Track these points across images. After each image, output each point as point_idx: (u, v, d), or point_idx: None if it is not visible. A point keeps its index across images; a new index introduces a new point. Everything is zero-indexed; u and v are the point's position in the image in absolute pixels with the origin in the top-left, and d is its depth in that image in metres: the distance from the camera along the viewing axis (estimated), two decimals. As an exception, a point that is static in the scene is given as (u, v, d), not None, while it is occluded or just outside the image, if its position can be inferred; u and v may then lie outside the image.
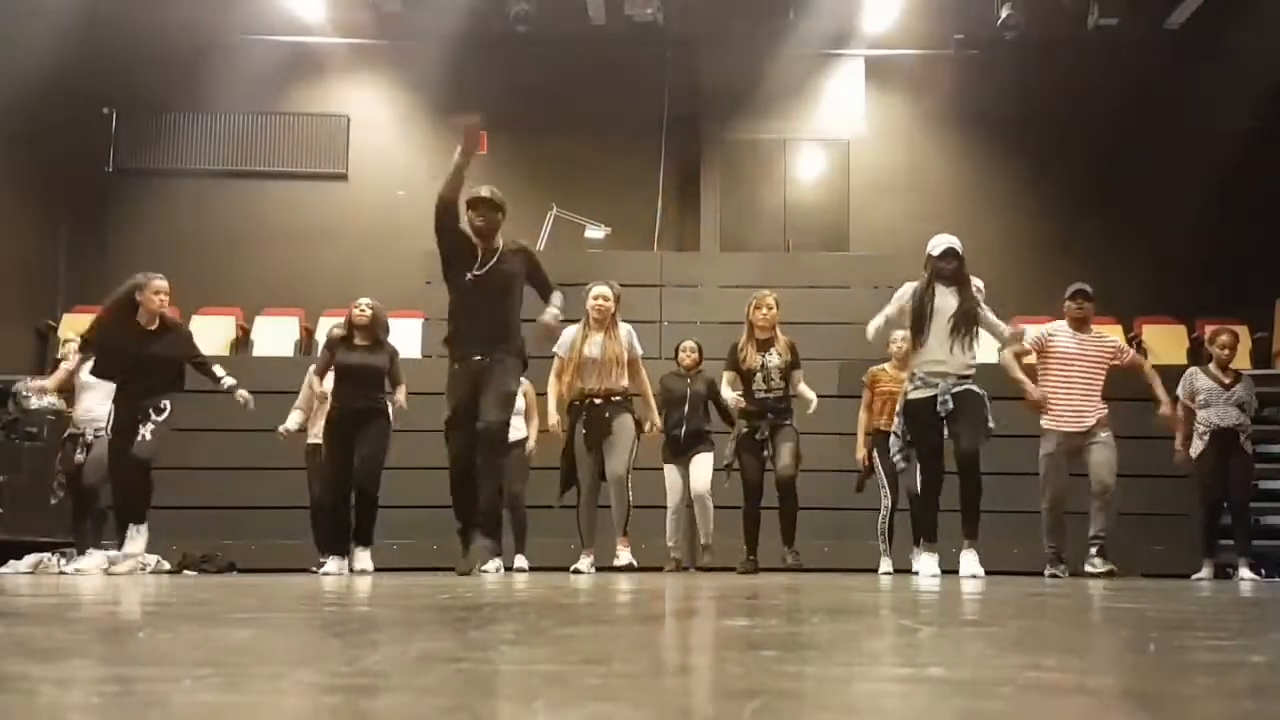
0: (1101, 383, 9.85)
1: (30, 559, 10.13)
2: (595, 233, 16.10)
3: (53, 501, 10.38)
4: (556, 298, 8.41)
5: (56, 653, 2.55)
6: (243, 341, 16.17)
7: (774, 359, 10.04)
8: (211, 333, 14.72)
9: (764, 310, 10.11)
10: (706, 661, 2.53)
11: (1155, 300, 16.22)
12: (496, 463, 8.18)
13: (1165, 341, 15.55)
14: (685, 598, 5.41)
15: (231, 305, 16.33)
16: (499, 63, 16.96)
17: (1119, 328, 15.98)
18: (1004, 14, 16.25)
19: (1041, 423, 9.84)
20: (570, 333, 9.85)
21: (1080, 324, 9.90)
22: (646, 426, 10.07)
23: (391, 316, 14.76)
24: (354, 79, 17.87)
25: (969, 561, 8.73)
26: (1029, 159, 17.26)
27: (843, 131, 17.61)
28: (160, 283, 9.50)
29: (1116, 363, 9.96)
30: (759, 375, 10.04)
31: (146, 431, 9.20)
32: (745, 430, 10.07)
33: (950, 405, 8.72)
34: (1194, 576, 10.57)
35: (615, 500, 9.80)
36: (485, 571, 8.10)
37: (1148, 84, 17.00)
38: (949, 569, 9.01)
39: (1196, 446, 10.71)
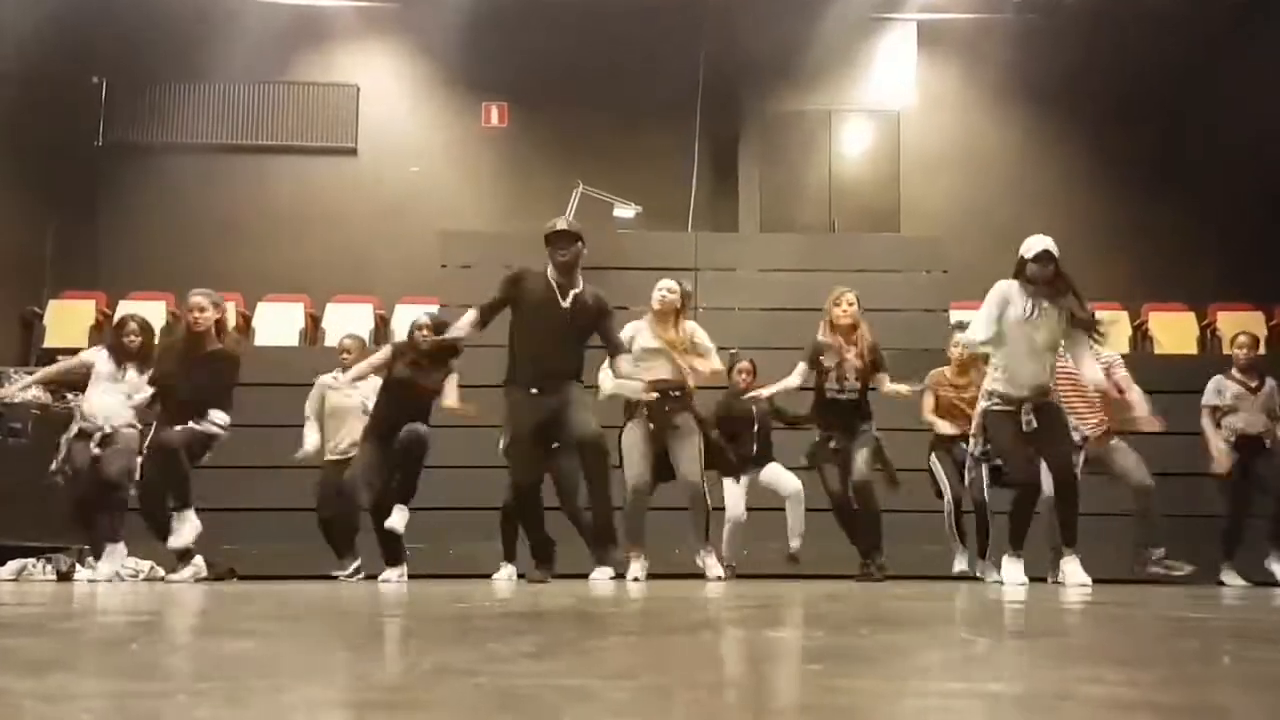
0: (1090, 392, 9.94)
1: (13, 565, 10.17)
2: (625, 212, 16.12)
3: (59, 481, 10.27)
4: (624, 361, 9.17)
5: (44, 665, 2.56)
6: (243, 330, 16.14)
7: (852, 358, 10.04)
8: (211, 321, 14.70)
9: (844, 306, 10.13)
10: (746, 674, 2.53)
11: (1228, 284, 16.05)
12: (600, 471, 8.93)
13: (1240, 329, 15.33)
14: (723, 606, 5.41)
15: (231, 291, 16.23)
16: (521, 28, 16.94)
17: (1191, 315, 15.88)
18: (1066, -24, 16.23)
19: None
20: (629, 327, 9.90)
21: None
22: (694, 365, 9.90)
23: (405, 302, 14.95)
24: (364, 46, 17.88)
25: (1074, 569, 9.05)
26: (1090, 132, 17.17)
27: (892, 102, 17.56)
28: (196, 299, 9.91)
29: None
30: (833, 374, 10.07)
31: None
32: (819, 440, 10.18)
33: (1034, 423, 8.83)
34: (1224, 580, 10.75)
35: (695, 510, 9.83)
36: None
37: (1218, 52, 16.74)
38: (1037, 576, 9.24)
39: (1223, 450, 10.93)
